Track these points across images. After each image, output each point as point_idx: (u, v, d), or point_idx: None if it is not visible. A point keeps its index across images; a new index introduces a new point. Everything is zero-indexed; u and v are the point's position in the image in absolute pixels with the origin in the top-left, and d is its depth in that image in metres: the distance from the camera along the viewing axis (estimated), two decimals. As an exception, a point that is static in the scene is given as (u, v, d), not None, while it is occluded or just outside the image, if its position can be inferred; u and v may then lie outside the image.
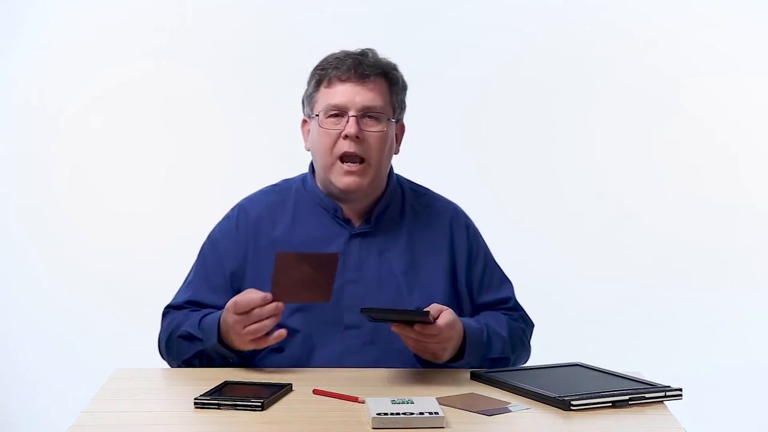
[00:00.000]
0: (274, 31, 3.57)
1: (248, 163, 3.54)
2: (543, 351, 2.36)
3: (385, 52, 2.22)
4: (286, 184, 2.28)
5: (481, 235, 2.30)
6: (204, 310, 2.15)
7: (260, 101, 3.57)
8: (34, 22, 3.56)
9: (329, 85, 2.16)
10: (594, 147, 3.64)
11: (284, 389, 1.88)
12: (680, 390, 1.89)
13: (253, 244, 2.19)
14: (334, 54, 2.19)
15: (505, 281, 2.29)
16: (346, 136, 2.12)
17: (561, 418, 1.77)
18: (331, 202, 2.20)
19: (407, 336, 2.02)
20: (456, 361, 2.10)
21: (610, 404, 1.83)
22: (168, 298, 2.24)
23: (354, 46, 2.22)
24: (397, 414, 1.69)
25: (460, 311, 2.21)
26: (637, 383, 1.93)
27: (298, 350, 2.13)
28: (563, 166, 3.64)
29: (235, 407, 1.78)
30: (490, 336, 2.14)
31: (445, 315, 2.03)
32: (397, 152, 2.25)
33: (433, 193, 2.31)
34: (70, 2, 3.58)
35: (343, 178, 2.14)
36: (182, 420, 1.77)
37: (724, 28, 3.60)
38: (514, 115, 3.62)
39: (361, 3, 3.55)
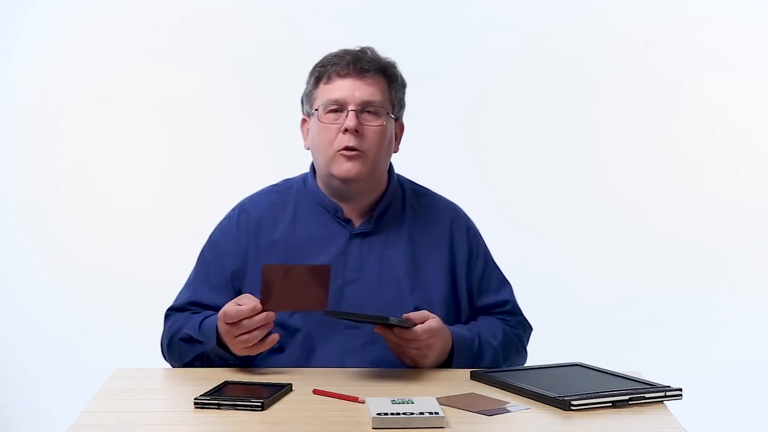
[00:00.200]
0: (274, 31, 3.57)
1: (248, 163, 3.54)
2: (543, 351, 2.36)
3: (385, 52, 2.23)
4: (287, 183, 2.28)
5: (481, 237, 2.30)
6: (204, 312, 2.15)
7: (260, 101, 3.57)
8: (34, 22, 3.56)
9: (328, 81, 2.17)
10: (594, 147, 3.64)
11: (284, 389, 1.87)
12: (680, 390, 1.89)
13: (254, 243, 2.19)
14: (333, 52, 2.20)
15: (505, 283, 2.29)
16: (345, 130, 2.13)
17: (561, 418, 1.77)
18: (332, 202, 2.20)
19: (387, 339, 2.04)
20: (444, 368, 2.11)
21: (610, 404, 1.82)
22: (168, 298, 2.24)
23: (354, 46, 2.22)
24: (397, 414, 1.69)
25: (458, 312, 2.22)
26: (637, 383, 1.93)
27: (299, 350, 2.13)
28: (563, 166, 3.64)
29: (235, 407, 1.78)
30: (482, 345, 2.15)
31: (428, 322, 2.04)
32: (396, 151, 2.25)
33: (434, 193, 2.31)
34: (70, 2, 3.58)
35: (342, 165, 2.14)
36: (182, 420, 1.77)
37: (724, 28, 3.60)
38: (514, 115, 3.62)
39: (361, 3, 3.56)
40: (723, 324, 3.61)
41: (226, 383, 1.90)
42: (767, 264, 3.62)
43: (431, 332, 2.04)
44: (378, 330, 2.04)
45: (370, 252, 2.18)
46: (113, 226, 3.57)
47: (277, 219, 2.21)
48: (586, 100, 3.63)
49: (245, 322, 1.96)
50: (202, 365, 2.12)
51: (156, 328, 2.25)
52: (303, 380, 1.95)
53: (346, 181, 2.15)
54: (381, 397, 1.79)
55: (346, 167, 2.14)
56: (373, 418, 1.68)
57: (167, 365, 2.20)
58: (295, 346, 2.13)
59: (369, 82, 2.16)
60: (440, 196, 2.31)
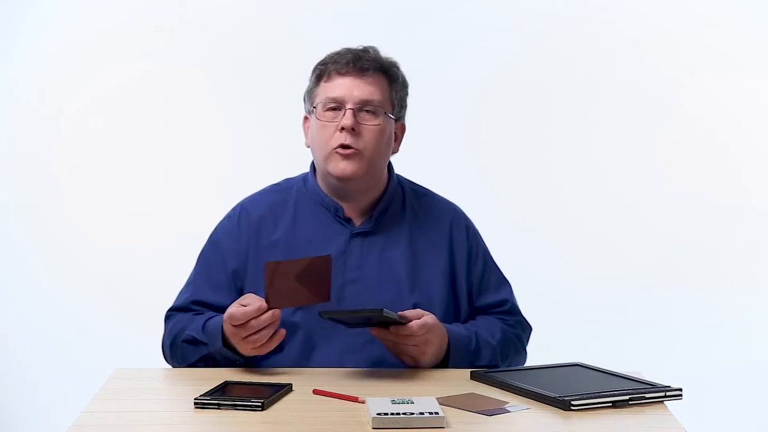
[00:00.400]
0: (274, 31, 3.57)
1: (248, 163, 3.54)
2: (543, 351, 2.36)
3: (385, 52, 2.22)
4: (287, 183, 2.28)
5: (480, 237, 2.30)
6: (207, 313, 2.15)
7: (260, 101, 3.57)
8: (34, 22, 3.56)
9: (329, 79, 2.17)
10: (594, 147, 3.64)
11: (284, 389, 1.88)
12: (680, 390, 1.89)
13: (255, 243, 2.19)
14: (336, 51, 2.21)
15: (504, 283, 2.29)
16: (342, 128, 2.13)
17: (561, 418, 1.77)
18: (332, 202, 2.20)
19: (385, 339, 2.04)
20: (442, 367, 2.11)
21: (610, 404, 1.82)
22: (168, 298, 2.24)
23: (354, 46, 2.22)
24: (397, 414, 1.69)
25: (458, 311, 2.22)
26: (637, 383, 1.93)
27: (299, 349, 2.13)
28: (563, 166, 3.64)
29: (235, 407, 1.78)
30: (479, 344, 2.15)
31: (423, 318, 2.04)
32: (396, 151, 2.25)
33: (434, 194, 2.31)
34: (70, 2, 3.58)
35: (339, 163, 2.14)
36: (182, 420, 1.77)
37: (724, 28, 3.60)
38: (514, 115, 3.62)
39: (361, 3, 3.56)
40: (723, 324, 3.61)
41: (226, 383, 1.90)
42: (767, 264, 3.62)
43: (427, 327, 2.04)
44: (375, 332, 2.05)
45: (370, 251, 2.19)
46: (113, 226, 3.57)
47: (277, 218, 2.22)
48: (586, 100, 3.63)
49: (252, 322, 1.96)
50: (206, 366, 2.12)
51: (156, 328, 2.25)
52: (303, 380, 1.95)
53: (342, 179, 2.15)
54: (381, 397, 1.80)
55: (341, 166, 2.14)
56: (373, 418, 1.68)
57: (167, 365, 2.19)
58: (296, 345, 2.13)
59: (368, 81, 2.16)
60: (440, 196, 2.31)
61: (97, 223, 3.57)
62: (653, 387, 1.90)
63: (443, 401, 1.82)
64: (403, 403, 1.75)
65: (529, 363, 2.28)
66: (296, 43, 3.49)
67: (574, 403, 1.79)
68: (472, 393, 1.90)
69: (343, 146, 2.13)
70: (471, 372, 2.03)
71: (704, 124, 3.63)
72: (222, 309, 2.09)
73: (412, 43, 3.40)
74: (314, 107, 2.17)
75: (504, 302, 2.27)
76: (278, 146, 3.35)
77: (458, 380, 2.01)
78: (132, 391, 1.92)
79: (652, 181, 3.63)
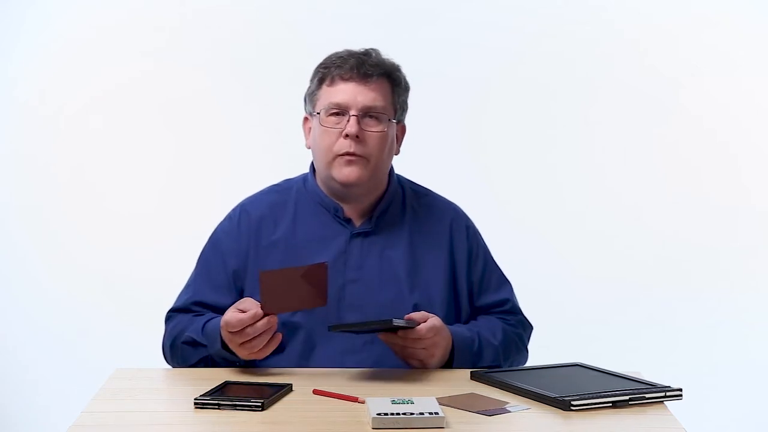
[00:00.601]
0: (274, 31, 3.57)
1: (248, 163, 3.54)
2: (543, 351, 2.36)
3: (386, 52, 2.22)
4: (287, 184, 2.28)
5: (481, 237, 2.30)
6: (207, 314, 2.15)
7: (260, 101, 3.57)
8: (34, 22, 3.56)
9: (332, 83, 2.16)
10: (594, 147, 3.64)
11: (284, 389, 1.88)
12: (680, 390, 1.89)
13: (255, 243, 2.19)
14: (338, 53, 2.20)
15: (505, 283, 2.29)
16: (346, 135, 2.12)
17: (561, 418, 1.77)
18: (332, 202, 2.20)
19: (393, 343, 2.04)
20: (444, 368, 2.11)
21: (610, 404, 1.82)
22: (168, 298, 2.24)
23: (354, 46, 2.22)
24: (397, 414, 1.69)
25: (458, 311, 2.22)
26: (637, 383, 1.93)
27: (299, 349, 2.13)
28: (563, 166, 3.64)
29: (235, 407, 1.78)
30: (482, 345, 2.15)
31: (430, 320, 2.05)
32: (397, 153, 2.25)
33: (434, 194, 2.31)
34: (70, 2, 3.58)
35: (343, 168, 2.14)
36: (182, 420, 1.77)
37: (724, 28, 3.60)
38: (514, 115, 3.62)
39: (361, 3, 3.56)
40: (723, 324, 3.61)
41: (226, 383, 1.90)
42: (767, 264, 3.62)
43: (435, 330, 2.05)
44: (383, 337, 2.05)
45: (370, 252, 2.19)
46: (113, 226, 3.57)
47: (277, 219, 2.22)
48: (586, 100, 3.63)
49: (248, 329, 1.96)
50: (206, 366, 2.12)
51: (156, 328, 2.24)
52: (303, 380, 1.95)
53: (346, 185, 2.15)
54: (381, 397, 1.80)
55: (346, 171, 2.14)
56: (373, 418, 1.68)
57: (167, 365, 2.19)
58: (296, 345, 2.13)
59: (372, 87, 2.16)
60: (440, 196, 2.31)
61: (97, 223, 3.57)
62: (653, 387, 1.90)
63: (443, 401, 1.82)
64: (403, 403, 1.75)
65: (529, 363, 2.28)
66: (296, 43, 3.49)
67: (574, 403, 1.79)
68: (472, 393, 1.90)
69: (348, 154, 2.13)
70: (471, 372, 2.03)
71: (704, 124, 3.62)
72: (222, 309, 2.09)
73: (412, 43, 3.40)
74: (318, 112, 2.17)
75: (505, 302, 2.27)
76: (278, 146, 3.35)
77: (458, 380, 2.01)
78: (132, 391, 1.92)
79: (652, 181, 3.63)
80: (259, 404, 1.77)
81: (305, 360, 2.13)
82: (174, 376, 2.09)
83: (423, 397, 1.80)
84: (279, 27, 3.57)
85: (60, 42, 3.56)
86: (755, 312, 3.61)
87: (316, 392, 1.88)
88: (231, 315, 1.99)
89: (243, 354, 2.01)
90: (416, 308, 2.12)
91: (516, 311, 2.28)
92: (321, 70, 2.19)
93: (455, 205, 2.31)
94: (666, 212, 3.62)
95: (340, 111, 2.15)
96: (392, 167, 2.27)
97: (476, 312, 2.25)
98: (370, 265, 2.17)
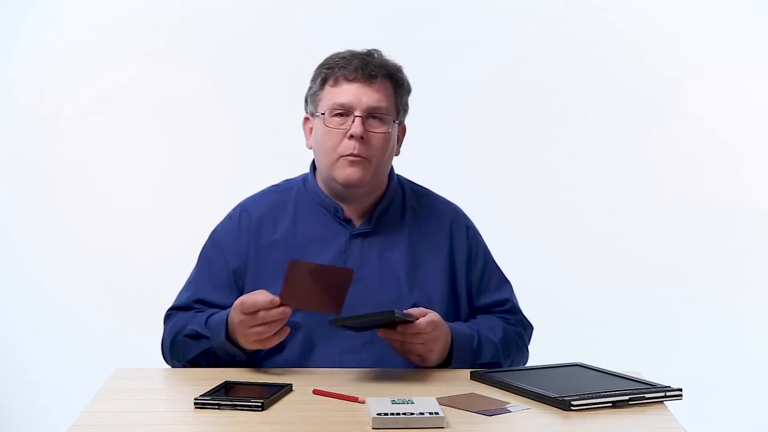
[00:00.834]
0: (274, 31, 3.57)
1: (248, 163, 3.54)
2: (543, 351, 2.36)
3: (387, 53, 2.22)
4: (287, 184, 2.28)
5: (481, 237, 2.30)
6: (210, 309, 2.15)
7: (260, 101, 3.57)
8: (34, 22, 3.56)
9: (335, 83, 2.16)
10: (594, 147, 3.64)
11: (284, 389, 1.88)
12: (680, 390, 1.89)
13: (255, 243, 2.19)
14: (340, 53, 2.20)
15: (505, 283, 2.29)
16: (351, 136, 2.13)
17: (561, 418, 1.77)
18: (332, 202, 2.21)
19: (392, 339, 2.04)
20: (445, 366, 2.11)
21: (610, 404, 1.82)
22: (168, 298, 2.24)
23: (354, 46, 2.22)
24: (397, 414, 1.69)
25: (458, 311, 2.22)
26: (637, 383, 1.93)
27: (299, 349, 2.13)
28: (563, 166, 3.64)
29: (235, 407, 1.78)
30: (481, 341, 2.15)
31: (429, 315, 2.05)
32: (397, 154, 2.26)
33: (434, 194, 2.31)
34: (70, 2, 3.58)
35: (346, 169, 2.14)
36: (182, 420, 1.77)
37: (724, 28, 3.60)
38: (514, 115, 3.62)
39: (361, 3, 3.56)
40: (723, 324, 3.61)
41: (226, 383, 1.90)
42: (767, 264, 3.62)
43: (434, 324, 2.04)
44: (381, 333, 2.05)
45: (370, 252, 2.19)
46: (113, 226, 3.57)
47: (277, 219, 2.22)
48: (586, 100, 3.63)
49: (261, 313, 1.96)
50: (207, 364, 2.12)
51: (156, 328, 2.24)
52: (303, 380, 1.95)
53: (347, 185, 2.15)
54: (381, 397, 1.80)
55: (349, 172, 2.14)
56: (373, 418, 1.68)
57: (167, 365, 2.19)
58: (296, 345, 2.13)
59: (376, 88, 2.16)
60: (440, 197, 2.31)
61: (97, 223, 3.57)
62: (653, 387, 1.90)
63: (443, 401, 1.82)
64: (403, 403, 1.75)
65: (529, 363, 2.28)
66: (296, 43, 3.49)
67: (574, 403, 1.79)
68: (472, 393, 1.90)
69: (352, 155, 2.13)
70: (471, 372, 2.03)
71: (704, 124, 3.62)
72: (223, 308, 2.09)
73: (412, 43, 3.40)
74: (322, 112, 2.17)
75: (505, 301, 2.27)
76: (278, 146, 3.35)
77: (458, 380, 2.01)
78: (132, 391, 1.92)
79: (652, 181, 3.63)
80: (259, 404, 1.77)
81: (305, 360, 2.13)
82: (174, 376, 2.09)
83: (423, 397, 1.80)
84: (279, 27, 3.57)
85: (60, 42, 3.56)
86: (755, 312, 3.61)
87: (316, 392, 1.88)
88: (246, 297, 1.99)
89: (249, 340, 2.00)
90: (415, 307, 2.12)
91: (516, 311, 2.28)
92: (324, 70, 2.19)
93: (455, 205, 2.31)
94: (666, 212, 3.62)
95: (345, 112, 2.15)
96: (392, 167, 2.27)
97: (476, 312, 2.25)
98: (370, 265, 2.17)
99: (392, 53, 2.23)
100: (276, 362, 2.12)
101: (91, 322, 3.55)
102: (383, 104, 2.16)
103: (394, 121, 2.18)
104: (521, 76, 3.61)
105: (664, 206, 3.62)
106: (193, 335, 2.11)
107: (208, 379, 1.94)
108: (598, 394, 1.83)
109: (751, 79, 3.61)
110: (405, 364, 2.12)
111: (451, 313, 2.20)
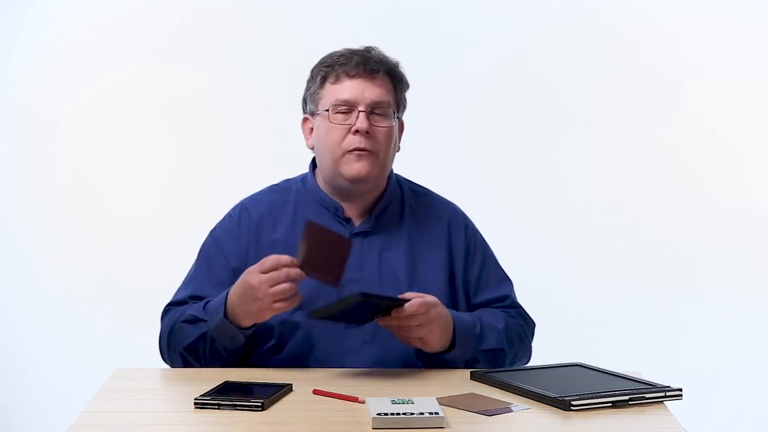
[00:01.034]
0: (274, 31, 3.57)
1: (248, 163, 3.54)
2: (543, 351, 2.36)
3: (386, 52, 2.22)
4: (286, 184, 2.29)
5: (480, 235, 2.30)
6: (209, 298, 2.15)
7: (260, 101, 3.57)
8: (34, 22, 3.56)
9: (336, 80, 2.17)
10: (594, 147, 3.64)
11: (284, 389, 1.88)
12: (680, 390, 1.89)
13: (255, 243, 2.19)
14: (337, 51, 2.20)
15: (505, 280, 2.29)
16: (356, 131, 2.13)
17: (561, 418, 1.77)
18: (332, 201, 2.21)
19: (390, 325, 2.03)
20: (449, 351, 2.10)
21: (610, 404, 1.82)
22: (167, 298, 2.24)
23: (353, 46, 2.22)
24: (397, 414, 1.69)
25: (456, 309, 2.22)
26: (637, 383, 1.93)
27: (299, 348, 2.13)
28: (563, 166, 3.64)
29: (235, 407, 1.78)
30: (483, 328, 2.14)
31: (423, 298, 2.03)
32: (398, 150, 2.26)
33: (433, 193, 2.32)
34: (70, 2, 3.58)
35: (353, 164, 2.14)
36: (182, 420, 1.77)
37: (724, 28, 3.60)
38: (514, 115, 3.62)
39: (361, 3, 3.56)
40: (723, 324, 3.61)
41: (226, 383, 1.90)
42: (767, 264, 3.62)
43: (427, 305, 2.02)
44: (381, 321, 2.03)
45: (370, 251, 2.19)
46: (113, 226, 3.57)
47: (276, 219, 2.22)
48: (586, 100, 3.63)
49: (285, 270, 1.95)
50: (203, 352, 2.10)
51: (156, 328, 2.24)
52: (303, 380, 1.95)
53: (355, 181, 2.15)
54: (381, 397, 1.80)
55: (357, 167, 2.14)
56: (373, 418, 1.68)
57: (167, 365, 2.19)
58: (295, 344, 2.13)
59: (378, 83, 2.16)
60: (438, 196, 2.32)
61: (97, 223, 3.57)
62: (653, 387, 1.90)
63: (443, 401, 1.82)
64: (403, 403, 1.75)
65: (529, 363, 2.28)
66: (296, 43, 3.49)
67: (574, 403, 1.79)
68: (473, 393, 1.90)
69: (359, 149, 2.13)
70: (471, 372, 2.03)
71: (704, 124, 3.63)
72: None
73: (412, 43, 3.40)
74: (325, 110, 2.16)
75: (504, 298, 2.27)
76: (278, 146, 3.35)
77: (458, 380, 2.01)
78: (132, 391, 1.92)
79: (652, 181, 3.63)
80: (259, 404, 1.77)
81: (305, 359, 2.13)
82: (174, 376, 2.09)
83: (423, 397, 1.80)
84: (279, 27, 3.58)
85: (60, 42, 3.56)
86: (755, 312, 3.61)
87: (316, 392, 1.88)
88: (266, 258, 1.97)
89: (266, 304, 1.97)
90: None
91: (516, 306, 2.28)
92: (323, 68, 2.19)
93: (454, 204, 2.32)
94: (666, 212, 3.62)
95: (348, 107, 2.15)
96: (391, 168, 2.27)
97: (475, 309, 2.25)
98: (370, 264, 2.17)
99: (392, 53, 2.23)
100: (276, 362, 2.12)
101: (91, 322, 3.55)
102: (385, 98, 2.17)
103: (395, 116, 2.19)
104: (521, 76, 3.61)
105: (664, 206, 3.63)
106: (191, 320, 2.10)
107: (208, 379, 1.94)
108: (598, 394, 1.83)
109: (751, 79, 3.61)
110: (405, 364, 2.12)
111: (450, 311, 2.20)
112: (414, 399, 1.77)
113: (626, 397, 1.84)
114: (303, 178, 2.27)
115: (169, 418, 1.81)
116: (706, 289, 3.62)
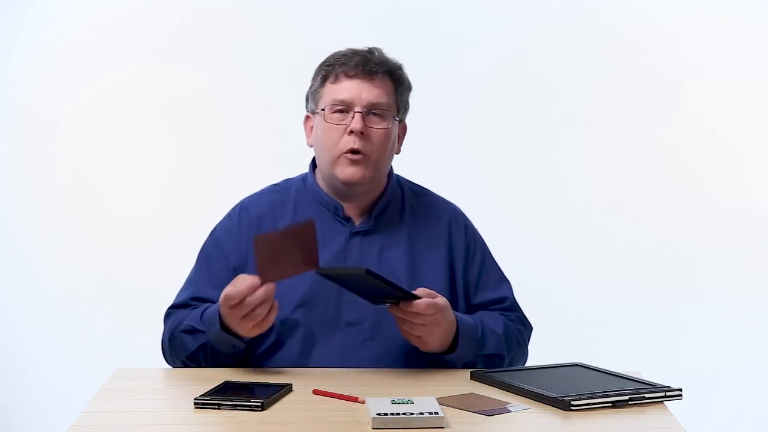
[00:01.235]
0: (274, 31, 3.57)
1: (248, 163, 3.54)
2: (543, 351, 2.36)
3: (389, 52, 2.22)
4: (286, 183, 2.29)
5: (480, 235, 2.30)
6: (205, 304, 2.15)
7: (260, 101, 3.57)
8: (34, 22, 3.56)
9: (336, 80, 2.17)
10: (594, 147, 3.64)
11: (284, 389, 1.88)
12: (680, 390, 1.89)
13: (255, 242, 2.19)
14: (341, 51, 2.21)
15: (504, 281, 2.29)
16: (351, 132, 2.13)
17: (561, 418, 1.77)
18: (332, 201, 2.21)
19: (396, 315, 2.03)
20: (449, 353, 2.10)
21: (610, 404, 1.82)
22: (168, 298, 2.24)
23: (354, 46, 2.22)
24: (397, 414, 1.69)
25: (456, 309, 2.22)
26: (637, 383, 1.93)
27: (299, 347, 2.13)
28: (563, 166, 3.64)
29: (235, 407, 1.78)
30: (485, 332, 2.15)
31: (434, 299, 2.03)
32: (398, 152, 2.26)
33: (433, 193, 2.32)
34: (70, 2, 3.58)
35: (346, 168, 2.14)
36: (182, 420, 1.77)
37: (724, 28, 3.60)
38: (514, 115, 3.62)
39: (361, 3, 3.56)
40: (723, 324, 3.61)
41: (226, 383, 1.90)
42: (767, 264, 3.62)
43: (436, 307, 2.02)
44: (391, 309, 2.03)
45: (370, 250, 2.19)
46: (113, 226, 3.57)
47: (276, 218, 2.22)
48: (586, 100, 3.63)
49: (248, 299, 1.95)
50: (206, 359, 2.11)
51: (156, 329, 2.24)
52: (303, 380, 1.95)
53: (348, 184, 2.16)
54: (381, 397, 1.80)
55: (349, 171, 2.14)
56: (373, 418, 1.68)
57: (167, 365, 2.19)
58: (295, 343, 2.13)
59: (376, 84, 2.16)
60: (439, 196, 2.32)
61: (97, 223, 3.57)
62: (653, 387, 1.90)
63: (443, 401, 1.82)
64: (403, 403, 1.75)
65: (529, 363, 2.28)
66: (296, 43, 3.49)
67: (574, 403, 1.79)
68: (472, 393, 1.90)
69: (353, 151, 2.13)
70: (471, 372, 2.03)
71: (704, 124, 3.63)
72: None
73: (412, 43, 3.39)
74: (322, 109, 2.17)
75: (503, 299, 2.27)
76: (278, 146, 3.35)
77: (458, 380, 2.01)
78: (132, 391, 1.92)
79: (652, 181, 3.63)
80: (259, 404, 1.77)
81: (305, 358, 2.13)
82: (174, 376, 2.09)
83: (423, 397, 1.80)
84: (279, 27, 3.58)
85: (60, 42, 3.56)
86: (755, 312, 3.61)
87: (316, 392, 1.88)
88: (229, 289, 1.98)
89: (245, 328, 1.99)
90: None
91: (515, 309, 2.28)
92: (324, 68, 2.20)
93: (454, 204, 2.32)
94: (666, 212, 3.62)
95: (345, 108, 2.15)
96: (391, 167, 2.27)
97: (474, 309, 2.25)
98: (370, 263, 2.17)
99: (392, 53, 2.23)
100: (276, 361, 2.12)
101: (91, 322, 3.55)
102: (383, 100, 2.16)
103: (394, 118, 2.18)
104: (521, 76, 3.61)
105: (664, 206, 3.63)
106: (189, 330, 2.11)
107: (208, 379, 1.94)
108: (598, 394, 1.83)
109: (751, 79, 3.61)
110: (405, 362, 2.12)
111: (450, 311, 2.20)
112: (414, 399, 1.77)
113: (626, 397, 1.84)
114: (303, 178, 2.27)
115: (169, 418, 1.81)
116: (706, 289, 3.62)
